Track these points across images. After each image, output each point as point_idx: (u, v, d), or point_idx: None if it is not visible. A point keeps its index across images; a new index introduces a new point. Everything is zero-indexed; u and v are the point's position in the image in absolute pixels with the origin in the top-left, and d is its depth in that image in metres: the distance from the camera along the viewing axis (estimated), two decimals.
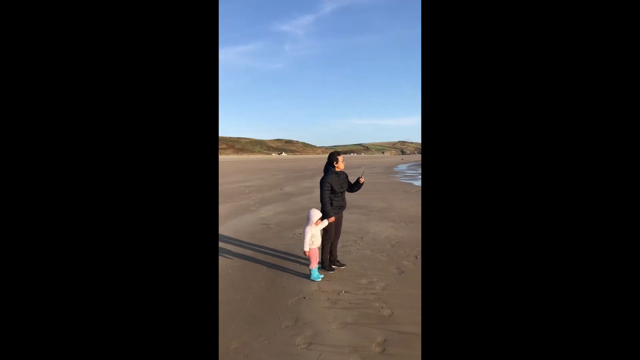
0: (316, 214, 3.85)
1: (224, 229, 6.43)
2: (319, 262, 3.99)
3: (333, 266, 4.18)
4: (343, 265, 4.27)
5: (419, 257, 4.66)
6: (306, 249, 3.76)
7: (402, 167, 36.83)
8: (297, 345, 2.51)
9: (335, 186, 4.02)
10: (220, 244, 5.32)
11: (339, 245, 5.14)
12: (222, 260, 4.49)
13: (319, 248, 3.91)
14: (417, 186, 15.09)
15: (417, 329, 2.73)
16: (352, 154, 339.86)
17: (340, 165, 4.12)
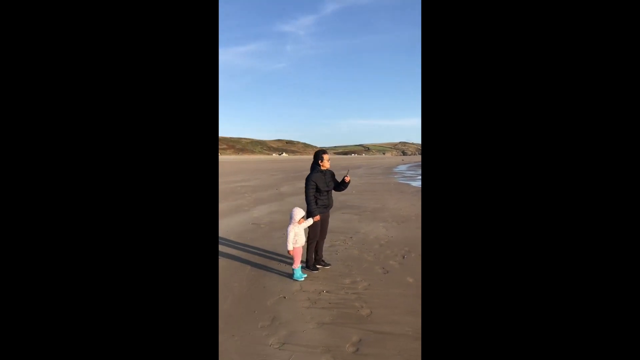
0: (299, 212, 3.82)
1: None
2: (302, 262, 3.96)
3: (318, 266, 4.14)
4: (328, 264, 4.24)
5: (406, 256, 4.62)
6: (289, 248, 3.73)
7: (402, 167, 36.79)
8: (270, 345, 2.48)
9: (320, 185, 3.98)
10: None
11: (326, 244, 5.13)
12: None
13: (303, 247, 3.88)
14: (414, 187, 15.06)
15: (394, 328, 2.70)
16: (352, 154, 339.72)
17: (325, 164, 4.08)
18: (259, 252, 4.91)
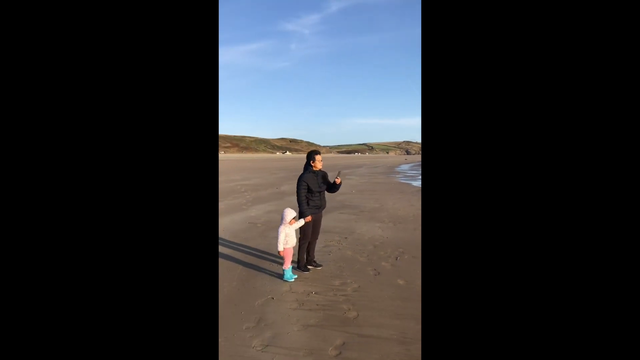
0: (290, 213, 3.80)
1: None
2: (293, 262, 3.94)
3: (309, 267, 4.13)
4: (319, 265, 4.22)
5: (399, 258, 4.60)
6: (280, 248, 3.72)
7: (405, 167, 36.67)
8: (253, 347, 2.47)
9: (311, 185, 3.96)
10: None
11: (320, 245, 5.11)
12: None
13: (294, 248, 3.86)
14: (415, 186, 15.01)
15: (380, 332, 2.68)
16: (356, 153, 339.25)
17: (317, 165, 4.05)
18: (252, 251, 4.91)
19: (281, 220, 3.81)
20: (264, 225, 6.63)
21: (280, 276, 3.85)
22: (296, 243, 3.86)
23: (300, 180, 3.97)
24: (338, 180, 4.02)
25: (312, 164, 4.04)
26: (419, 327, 2.74)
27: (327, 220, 7.08)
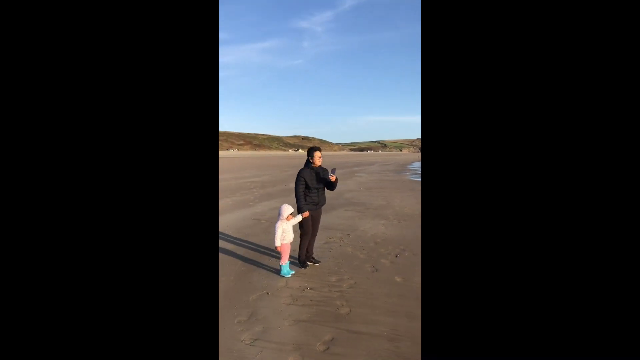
0: (287, 209, 3.81)
1: None
2: (292, 257, 3.95)
3: (308, 262, 4.13)
4: (318, 262, 4.22)
5: (399, 255, 4.56)
6: (277, 244, 3.73)
7: (417, 164, 36.30)
8: (242, 341, 2.48)
9: (309, 181, 3.95)
10: None
11: (321, 241, 5.12)
12: None
13: (292, 243, 3.87)
14: None
15: (370, 328, 2.67)
16: (369, 151, 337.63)
17: (316, 161, 4.03)
18: (254, 247, 4.94)
19: (278, 216, 3.82)
20: (267, 222, 6.66)
21: (278, 271, 3.86)
22: (293, 239, 3.86)
23: (298, 176, 3.97)
24: (333, 178, 3.98)
25: (311, 161, 4.03)
26: (411, 324, 2.72)
27: (331, 217, 7.08)
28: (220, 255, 4.52)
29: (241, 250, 4.77)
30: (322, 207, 4.25)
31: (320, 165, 4.09)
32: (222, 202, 9.07)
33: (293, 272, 3.85)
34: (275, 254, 4.53)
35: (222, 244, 5.09)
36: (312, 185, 3.97)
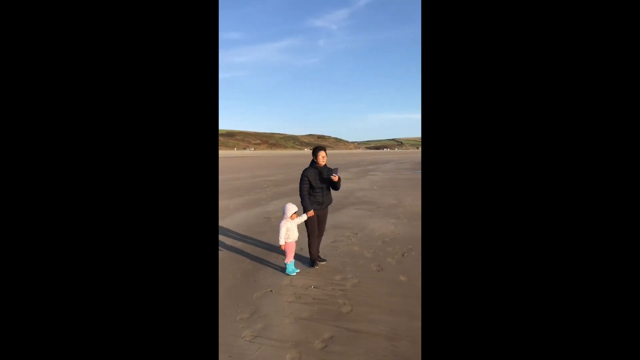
0: (291, 208, 3.84)
1: (226, 222, 6.59)
2: (308, 256, 3.99)
3: (316, 261, 4.15)
4: (324, 260, 4.24)
5: (406, 255, 4.53)
6: (281, 242, 3.77)
7: None
8: (242, 338, 2.54)
9: (312, 181, 3.97)
10: None
11: (329, 240, 5.14)
12: None
13: (296, 242, 3.91)
14: None
15: (370, 327, 2.68)
16: (385, 149, 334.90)
17: (320, 161, 4.03)
18: (262, 245, 5.00)
19: (283, 215, 3.87)
20: (277, 220, 6.70)
21: (284, 270, 3.91)
22: (298, 237, 3.90)
23: (302, 175, 4.00)
24: (335, 178, 3.97)
25: (315, 160, 4.04)
26: (411, 324, 2.71)
27: (341, 215, 7.09)
28: (229, 253, 4.60)
29: (249, 248, 4.84)
30: (329, 207, 4.26)
31: (325, 165, 4.10)
32: (236, 201, 9.21)
33: (298, 271, 3.89)
34: (283, 252, 4.59)
35: (231, 242, 5.18)
36: (316, 185, 3.99)
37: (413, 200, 9.44)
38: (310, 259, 4.12)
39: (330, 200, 4.22)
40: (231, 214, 7.35)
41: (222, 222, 6.58)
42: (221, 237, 5.43)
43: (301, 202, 3.98)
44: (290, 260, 3.84)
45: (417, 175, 19.25)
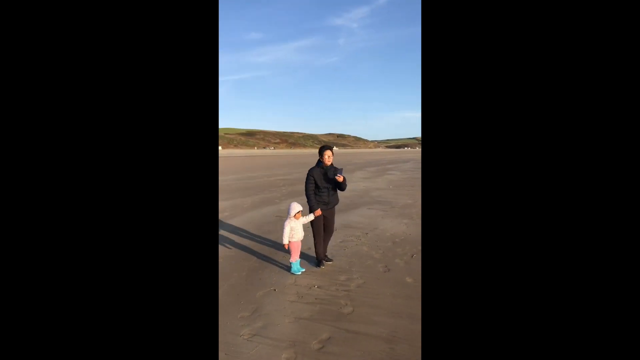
0: (295, 207, 3.84)
1: (237, 220, 6.66)
2: (315, 255, 3.97)
3: (323, 261, 4.12)
4: (330, 260, 4.22)
5: (415, 256, 4.45)
6: (285, 242, 3.77)
7: None
8: (241, 336, 2.55)
9: (318, 181, 3.94)
10: (226, 235, 5.53)
11: (338, 240, 5.11)
12: (219, 250, 4.66)
13: (301, 241, 3.90)
14: None
15: (369, 329, 2.64)
16: (405, 148, 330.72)
17: (325, 160, 3.98)
18: (271, 244, 5.02)
19: (287, 214, 3.86)
20: None
21: (290, 269, 3.91)
22: (303, 237, 3.89)
23: (307, 175, 3.98)
24: (340, 178, 3.89)
25: (322, 160, 4.01)
26: (412, 326, 2.66)
27: (353, 215, 7.04)
28: (237, 251, 4.64)
29: (258, 247, 4.87)
30: (339, 207, 4.21)
31: (331, 165, 4.05)
32: (250, 200, 9.30)
33: (303, 270, 3.88)
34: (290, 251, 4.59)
35: (240, 240, 5.23)
36: (322, 185, 3.95)
37: None
38: (316, 258, 4.10)
39: (336, 201, 4.17)
40: (244, 213, 7.43)
41: (233, 220, 6.66)
42: (230, 235, 5.49)
43: (307, 201, 3.96)
44: (295, 260, 3.83)
45: None
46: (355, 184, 13.33)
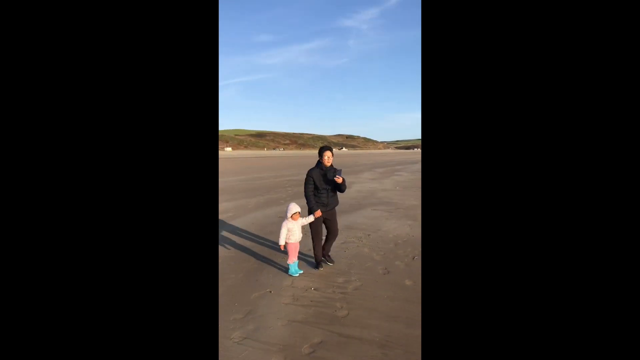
0: (293, 208, 3.79)
1: (239, 221, 6.64)
2: (303, 255, 3.93)
3: (321, 263, 4.06)
4: (331, 262, 4.15)
5: (417, 258, 4.35)
6: (281, 242, 3.72)
7: None
8: (231, 339, 2.50)
9: (317, 182, 3.87)
10: (227, 235, 5.51)
11: (339, 241, 5.04)
12: (219, 251, 4.64)
13: (300, 243, 3.85)
14: None
15: (363, 333, 2.57)
16: (415, 149, 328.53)
17: (325, 161, 3.91)
18: (271, 245, 4.98)
19: (285, 215, 3.82)
20: None
21: (287, 270, 3.86)
22: (301, 238, 3.83)
23: (307, 176, 3.92)
24: (339, 180, 3.81)
25: (321, 160, 3.94)
26: (407, 331, 2.58)
27: (356, 216, 6.96)
28: (236, 252, 4.61)
29: (258, 248, 4.84)
30: (342, 208, 4.13)
31: (331, 166, 3.98)
32: (255, 200, 9.29)
33: (301, 272, 3.82)
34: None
35: (241, 241, 5.20)
36: (321, 186, 3.88)
37: None
38: (315, 260, 4.04)
39: (336, 202, 4.11)
40: (247, 213, 7.41)
41: (236, 221, 6.64)
42: (232, 236, 5.47)
43: (306, 203, 3.90)
44: (292, 261, 3.78)
45: None
46: (361, 185, 13.24)
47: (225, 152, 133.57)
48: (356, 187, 12.44)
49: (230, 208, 8.07)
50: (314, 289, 3.40)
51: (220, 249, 4.76)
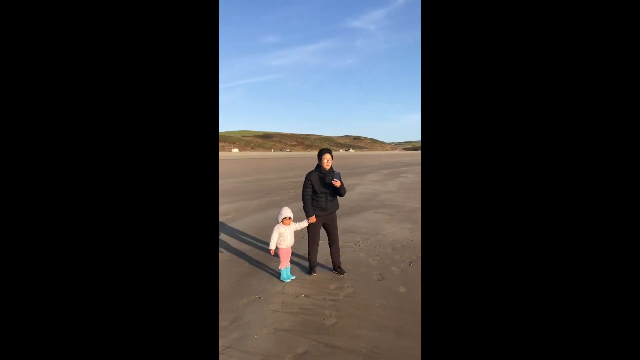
0: (284, 212, 3.71)
1: (238, 223, 6.60)
2: (298, 259, 3.85)
3: (316, 269, 3.96)
4: (343, 272, 3.90)
5: (414, 263, 4.25)
6: (271, 247, 3.65)
7: None
8: None
9: (315, 185, 3.77)
10: (224, 238, 5.46)
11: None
12: None
13: (291, 248, 3.78)
14: None
15: (350, 343, 2.48)
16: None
17: (324, 164, 3.78)
18: (267, 248, 4.89)
19: (277, 218, 3.75)
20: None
21: (279, 276, 3.78)
22: (292, 243, 3.76)
23: (305, 179, 3.82)
24: (337, 183, 3.66)
25: (320, 163, 3.84)
26: (396, 341, 2.49)
27: (356, 219, 6.86)
28: (230, 256, 4.56)
29: (253, 252, 4.78)
30: (343, 211, 3.98)
31: (330, 169, 3.88)
32: (256, 202, 9.25)
33: (293, 277, 3.75)
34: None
35: (237, 244, 5.15)
36: (319, 190, 3.77)
37: None
38: (309, 265, 3.96)
39: (336, 206, 3.98)
40: (247, 215, 7.37)
41: (235, 223, 6.59)
42: (228, 239, 5.41)
43: (303, 207, 3.81)
44: (284, 267, 3.70)
45: None
46: (364, 187, 13.13)
47: (232, 153, 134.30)
48: (359, 189, 12.34)
49: (230, 210, 8.04)
50: (304, 296, 3.32)
51: None
